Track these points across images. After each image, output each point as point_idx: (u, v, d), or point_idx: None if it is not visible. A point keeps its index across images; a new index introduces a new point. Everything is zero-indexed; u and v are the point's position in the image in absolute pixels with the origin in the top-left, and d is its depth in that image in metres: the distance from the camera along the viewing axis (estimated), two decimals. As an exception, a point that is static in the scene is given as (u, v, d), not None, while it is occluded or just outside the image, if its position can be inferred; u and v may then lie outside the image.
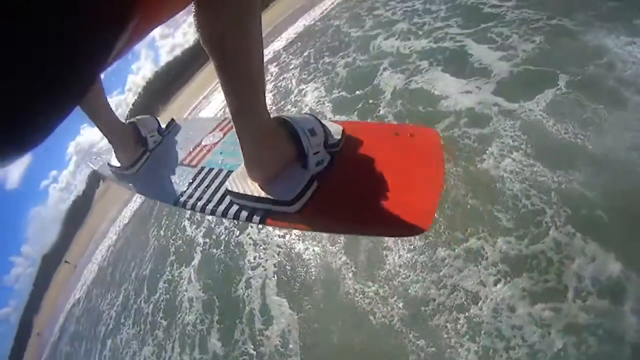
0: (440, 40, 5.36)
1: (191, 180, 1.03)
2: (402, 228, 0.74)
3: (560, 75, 3.53)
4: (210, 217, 5.86)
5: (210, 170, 1.02)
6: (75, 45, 0.24)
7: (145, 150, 1.24)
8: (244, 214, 0.85)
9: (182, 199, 0.99)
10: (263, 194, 0.81)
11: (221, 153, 1.09)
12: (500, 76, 4.01)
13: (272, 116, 0.82)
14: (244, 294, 4.20)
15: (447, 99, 4.22)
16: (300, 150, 0.82)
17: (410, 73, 5.03)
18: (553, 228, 2.58)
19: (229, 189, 0.86)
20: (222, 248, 5.16)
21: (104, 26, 0.26)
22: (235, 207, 0.87)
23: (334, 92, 5.79)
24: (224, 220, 5.49)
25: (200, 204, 0.95)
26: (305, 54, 8.33)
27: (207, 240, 5.69)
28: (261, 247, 4.47)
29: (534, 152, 3.01)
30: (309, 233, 3.93)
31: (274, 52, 11.24)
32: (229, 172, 0.97)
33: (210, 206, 0.92)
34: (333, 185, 0.83)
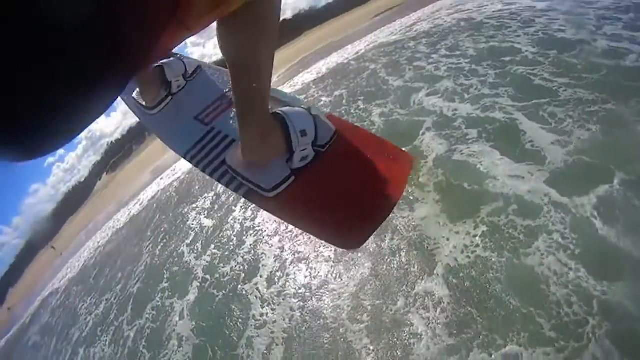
0: (488, 109, 5.07)
1: (201, 138, 1.08)
2: (338, 240, 0.89)
3: (616, 171, 3.32)
4: (214, 252, 5.53)
5: (219, 133, 1.07)
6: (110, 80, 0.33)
7: (168, 94, 1.28)
8: (233, 185, 0.94)
9: (189, 154, 1.04)
10: (249, 176, 0.90)
11: (232, 117, 1.16)
12: (554, 164, 3.75)
13: (271, 111, 0.86)
14: (243, 353, 3.75)
15: (494, 179, 3.91)
16: (289, 147, 0.90)
17: (455, 140, 4.72)
18: (593, 341, 2.39)
19: (226, 161, 0.94)
20: (225, 291, 4.72)
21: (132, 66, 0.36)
22: (228, 176, 0.95)
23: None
24: (230, 261, 5.16)
25: (202, 164, 1.00)
26: (337, 93, 8.10)
27: (208, 277, 5.26)
28: (270, 305, 4.05)
29: (580, 253, 2.81)
30: (329, 307, 3.58)
31: (302, 84, 11.07)
32: (232, 141, 1.00)
33: (209, 169, 0.98)
34: (307, 181, 0.92)
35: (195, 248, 5.95)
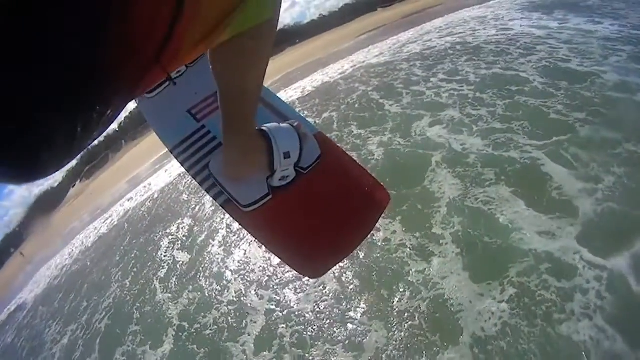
0: (503, 146, 4.48)
1: (189, 135, 1.06)
2: (299, 265, 0.90)
3: (647, 220, 2.98)
4: (191, 295, 4.64)
5: (208, 133, 1.05)
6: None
7: (167, 79, 0.75)
8: (213, 192, 0.94)
9: (176, 150, 1.03)
10: (228, 187, 0.91)
11: None
12: (585, 217, 3.36)
13: (257, 128, 0.90)
14: None
15: (521, 233, 3.41)
16: (271, 167, 0.90)
17: (470, 181, 4.06)
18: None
19: (209, 167, 0.95)
20: (206, 349, 3.89)
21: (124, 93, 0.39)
22: (209, 182, 0.95)
23: (374, 172, 4.73)
24: (211, 309, 4.31)
25: (187, 164, 1.00)
26: (326, 115, 7.38)
27: (186, 325, 4.37)
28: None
29: (616, 318, 2.59)
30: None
31: (287, 101, 10.26)
32: (220, 144, 1.01)
33: (193, 170, 0.98)
34: (282, 202, 0.92)
35: (169, 286, 5.10)
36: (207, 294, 4.52)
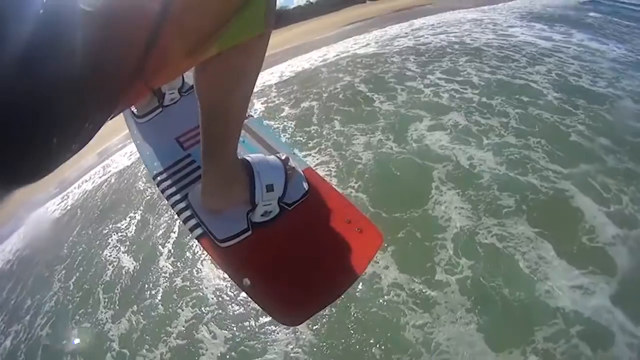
0: (519, 165, 3.71)
1: (174, 163, 1.03)
2: (276, 312, 0.79)
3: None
4: (134, 318, 3.49)
5: (192, 162, 1.03)
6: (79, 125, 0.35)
7: (159, 106, 1.20)
8: (190, 224, 0.89)
9: (157, 178, 1.01)
10: (205, 220, 0.86)
11: None
12: (621, 270, 2.78)
13: (240, 157, 0.86)
14: None
15: (547, 285, 2.69)
16: (252, 199, 0.84)
17: (483, 209, 3.23)
18: None
19: (188, 197, 0.90)
20: None
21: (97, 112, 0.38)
22: (187, 213, 0.90)
23: (351, 184, 3.76)
24: (157, 342, 3.21)
25: (167, 192, 0.96)
26: (305, 104, 6.30)
27: (126, 352, 3.28)
28: None
29: None
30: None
31: (262, 85, 9.17)
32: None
33: (172, 200, 0.94)
34: (263, 240, 0.86)
35: (113, 298, 3.94)
36: (152, 319, 3.47)
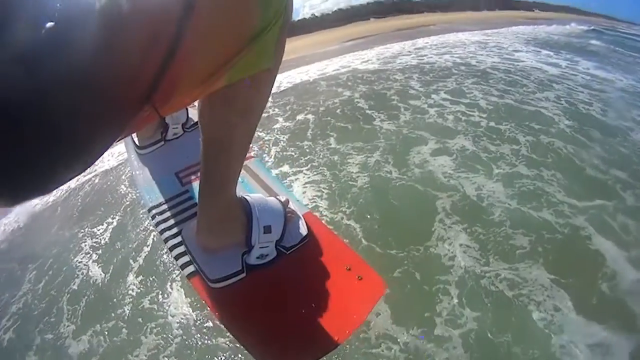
0: (533, 198, 3.32)
1: (170, 198, 1.01)
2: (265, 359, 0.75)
3: None
4: (96, 339, 2.94)
5: (190, 199, 1.00)
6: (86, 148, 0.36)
7: (161, 139, 1.19)
8: (181, 260, 0.86)
9: (153, 211, 0.98)
10: (197, 258, 0.83)
11: None
12: None
13: (239, 195, 0.83)
14: None
15: (562, 340, 2.26)
16: (248, 240, 0.81)
17: (492, 250, 2.84)
18: None
19: (182, 233, 0.88)
20: None
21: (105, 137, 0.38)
22: (180, 249, 0.88)
23: (342, 209, 3.34)
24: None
25: (161, 226, 0.94)
26: (301, 117, 5.91)
27: None
28: None
29: None
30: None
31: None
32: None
33: (165, 234, 0.92)
34: (257, 284, 0.82)
35: (77, 311, 3.43)
36: (114, 344, 3.00)
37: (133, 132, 0.99)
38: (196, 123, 1.28)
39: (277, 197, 0.94)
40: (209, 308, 0.85)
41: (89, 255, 4.06)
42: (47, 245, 5.68)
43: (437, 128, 4.71)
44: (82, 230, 4.58)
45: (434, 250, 2.79)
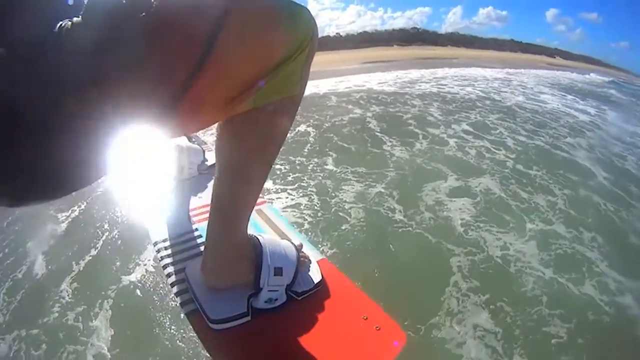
0: (571, 268, 2.63)
1: (178, 235, 1.00)
2: None
3: None
4: (11, 347, 2.29)
5: (198, 237, 1.00)
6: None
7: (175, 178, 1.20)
8: (182, 297, 0.82)
9: (158, 245, 0.97)
10: (199, 296, 0.79)
11: None
12: None
13: (250, 233, 0.80)
14: None
15: None
16: (256, 282, 0.76)
17: (519, 339, 2.10)
18: None
19: (186, 270, 0.85)
20: None
21: None
22: (182, 286, 0.84)
23: (323, 248, 2.58)
24: None
25: (165, 261, 0.92)
26: (301, 129, 5.21)
27: None
28: None
29: None
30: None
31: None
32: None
33: (168, 269, 0.90)
34: (263, 330, 0.76)
35: (8, 307, 2.74)
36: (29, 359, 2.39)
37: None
38: (212, 166, 1.28)
39: (291, 240, 0.88)
40: (206, 351, 0.75)
41: (40, 244, 3.36)
42: (13, 221, 4.92)
43: (457, 162, 3.98)
44: (48, 211, 3.84)
45: (439, 333, 2.03)
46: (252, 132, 0.61)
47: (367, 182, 3.47)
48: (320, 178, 3.54)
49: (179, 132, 0.53)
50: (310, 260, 0.88)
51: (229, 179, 0.68)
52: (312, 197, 3.17)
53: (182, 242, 0.97)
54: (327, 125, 5.46)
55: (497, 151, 4.40)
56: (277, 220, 1.05)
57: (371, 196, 3.23)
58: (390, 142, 4.61)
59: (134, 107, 0.38)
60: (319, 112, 6.43)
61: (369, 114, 6.18)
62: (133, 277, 2.52)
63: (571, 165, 4.33)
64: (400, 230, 2.78)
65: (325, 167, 3.81)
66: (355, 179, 3.54)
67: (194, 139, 1.32)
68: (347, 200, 3.16)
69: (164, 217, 1.06)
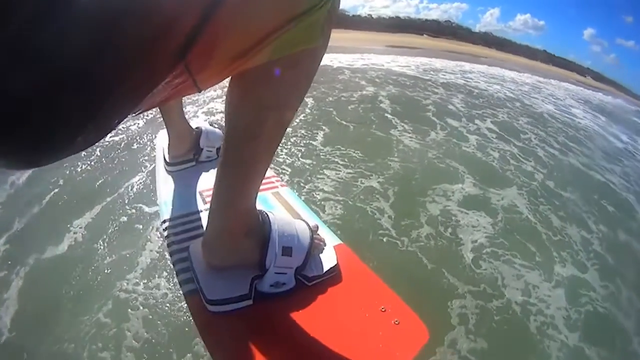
0: (602, 335, 1.92)
1: (188, 214, 0.96)
2: None
3: None
4: None
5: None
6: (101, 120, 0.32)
7: (193, 159, 1.14)
8: (182, 276, 0.77)
9: (166, 224, 0.93)
10: (199, 274, 0.72)
11: None
12: None
13: (259, 209, 0.74)
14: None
15: None
16: (262, 263, 0.70)
17: None
18: None
19: (190, 248, 0.79)
20: None
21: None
22: (184, 265, 0.79)
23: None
24: None
25: (170, 239, 0.89)
26: (308, 104, 4.37)
27: None
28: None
29: None
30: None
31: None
32: None
33: (172, 247, 0.86)
34: (266, 315, 0.69)
35: None
36: None
37: (166, 102, 0.73)
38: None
39: (306, 222, 0.78)
40: (199, 334, 0.67)
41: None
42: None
43: (477, 164, 3.24)
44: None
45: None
46: (266, 88, 0.54)
47: (358, 170, 2.73)
48: (299, 155, 2.79)
49: (188, 89, 0.41)
50: (325, 243, 0.79)
51: (238, 141, 0.61)
52: (282, 178, 2.45)
53: (191, 222, 0.90)
54: (330, 99, 4.67)
55: (525, 160, 3.64)
56: (295, 204, 0.96)
57: (359, 190, 2.49)
58: (402, 126, 3.83)
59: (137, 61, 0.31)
60: (327, 84, 5.63)
61: (383, 93, 5.38)
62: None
63: (608, 194, 3.61)
64: (385, 243, 2.05)
65: (311, 143, 3.06)
66: (344, 163, 2.80)
67: (215, 124, 1.23)
68: (325, 189, 2.43)
69: (175, 197, 1.00)
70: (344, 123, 3.69)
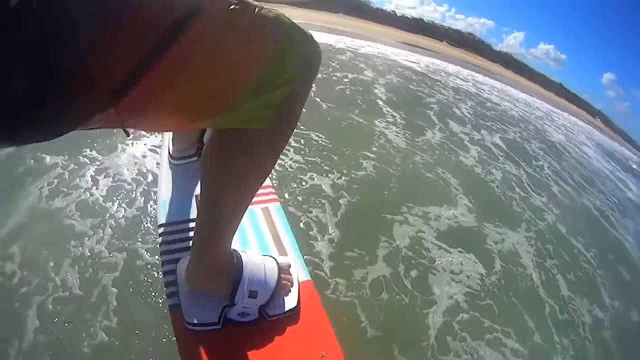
0: None
1: (183, 220, 0.99)
2: None
3: None
4: None
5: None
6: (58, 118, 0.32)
7: (195, 154, 1.14)
8: (169, 289, 0.84)
9: (162, 228, 0.96)
10: (182, 295, 0.80)
11: None
12: None
13: (234, 250, 0.79)
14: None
15: None
16: (232, 298, 0.78)
17: None
18: None
19: (177, 265, 0.84)
20: None
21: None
22: (171, 277, 0.85)
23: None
24: None
25: (163, 247, 0.92)
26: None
27: None
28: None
29: None
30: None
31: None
32: None
33: (164, 257, 0.90)
34: (231, 339, 0.78)
35: None
36: None
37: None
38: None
39: (277, 258, 0.86)
40: (178, 345, 0.79)
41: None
42: None
43: (474, 182, 2.51)
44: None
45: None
46: (220, 166, 0.57)
47: (311, 161, 1.94)
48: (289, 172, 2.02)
49: (120, 124, 0.39)
50: (292, 283, 0.85)
51: (204, 205, 0.65)
52: (275, 188, 1.67)
53: (184, 230, 0.93)
54: (319, 76, 3.85)
55: (534, 192, 2.91)
56: (279, 226, 1.00)
57: (300, 188, 1.71)
58: (392, 117, 3.06)
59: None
60: (322, 63, 4.84)
61: (381, 81, 4.60)
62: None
63: (624, 256, 2.91)
64: (318, 283, 1.28)
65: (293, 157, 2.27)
66: (296, 147, 2.01)
67: None
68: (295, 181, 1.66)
69: (173, 198, 1.02)
70: (318, 100, 2.89)
